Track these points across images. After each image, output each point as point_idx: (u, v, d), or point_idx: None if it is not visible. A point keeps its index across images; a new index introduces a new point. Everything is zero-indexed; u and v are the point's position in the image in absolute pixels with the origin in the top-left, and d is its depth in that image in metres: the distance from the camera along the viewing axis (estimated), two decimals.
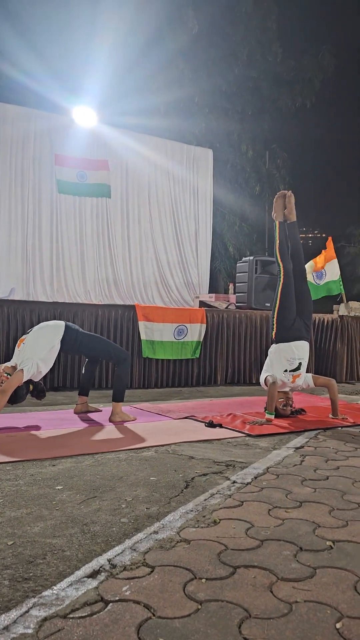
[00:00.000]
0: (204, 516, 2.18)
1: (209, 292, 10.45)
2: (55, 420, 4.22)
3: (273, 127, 15.42)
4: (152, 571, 1.69)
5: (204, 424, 4.21)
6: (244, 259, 8.67)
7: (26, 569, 1.68)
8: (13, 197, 8.87)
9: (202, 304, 8.85)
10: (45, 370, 4.04)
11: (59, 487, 2.51)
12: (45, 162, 9.16)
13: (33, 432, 3.78)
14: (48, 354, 4.03)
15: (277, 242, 4.88)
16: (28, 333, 4.19)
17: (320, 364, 7.90)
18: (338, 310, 8.50)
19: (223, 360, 7.11)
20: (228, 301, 8.93)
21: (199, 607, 1.49)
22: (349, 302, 8.63)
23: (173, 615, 1.44)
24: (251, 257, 8.31)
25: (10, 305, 5.95)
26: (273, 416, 4.35)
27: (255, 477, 2.77)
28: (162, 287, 10.22)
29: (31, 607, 1.45)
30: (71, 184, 9.37)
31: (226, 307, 8.28)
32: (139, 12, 10.57)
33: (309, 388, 4.76)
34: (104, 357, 4.64)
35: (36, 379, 4.06)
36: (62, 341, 4.11)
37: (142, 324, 6.47)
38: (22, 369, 3.84)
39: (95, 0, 10.22)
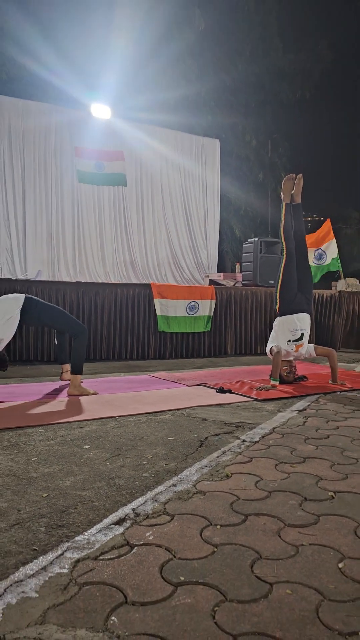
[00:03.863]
0: (217, 471, 2.20)
1: (218, 272, 10.40)
2: (60, 388, 4.21)
3: (275, 118, 15.14)
4: (171, 519, 1.71)
5: (215, 390, 4.22)
6: (249, 240, 8.59)
7: (60, 517, 1.70)
8: (37, 188, 8.83)
9: (212, 282, 8.81)
10: (5, 339, 3.87)
11: (87, 447, 2.54)
12: (66, 154, 9.10)
13: (55, 399, 3.81)
14: (6, 324, 3.86)
15: (283, 222, 4.81)
16: None
17: (320, 335, 7.87)
18: (336, 286, 8.42)
19: (231, 333, 7.10)
20: (235, 279, 8.88)
21: (215, 549, 1.51)
22: (346, 278, 8.55)
23: (192, 556, 1.46)
24: (256, 239, 8.23)
25: (38, 286, 5.96)
26: (278, 382, 4.35)
27: (263, 437, 2.78)
28: (174, 267, 10.19)
29: (65, 550, 1.48)
30: (90, 174, 9.31)
31: (234, 285, 8.22)
32: (150, 12, 10.34)
33: (311, 357, 4.74)
34: (62, 328, 4.31)
35: (1, 347, 3.89)
36: (22, 311, 3.92)
37: (157, 301, 6.46)
38: None
39: (111, 0, 10.00)
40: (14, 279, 6.47)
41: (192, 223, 10.62)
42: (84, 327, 4.23)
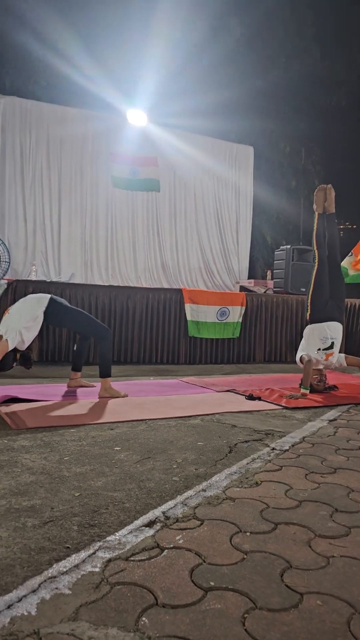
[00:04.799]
0: (246, 478, 2.20)
1: (249, 278, 10.36)
2: (87, 391, 4.24)
3: (309, 125, 15.00)
4: (201, 524, 1.72)
5: (244, 396, 4.20)
6: (281, 247, 8.53)
7: (92, 517, 1.73)
8: (73, 193, 8.98)
9: (242, 288, 8.78)
10: (28, 339, 3.86)
11: (117, 448, 2.57)
12: (102, 159, 9.23)
13: (86, 399, 3.86)
14: (31, 324, 3.85)
15: (315, 231, 4.78)
16: (14, 304, 4.07)
17: (351, 345, 7.75)
18: None
19: (261, 340, 7.06)
20: (266, 286, 8.83)
21: (245, 556, 1.50)
22: None
23: (222, 562, 1.46)
24: (288, 246, 8.17)
25: (72, 288, 6.06)
26: (308, 391, 4.30)
27: (293, 445, 2.76)
28: (205, 273, 10.20)
29: (97, 550, 1.50)
30: (124, 179, 9.42)
31: (264, 292, 8.18)
32: (188, 22, 10.42)
33: (342, 367, 4.68)
34: (84, 332, 4.30)
35: (22, 348, 3.87)
36: (45, 313, 3.92)
37: (188, 306, 6.48)
38: (7, 339, 3.69)
39: (150, 8, 10.11)
40: (48, 281, 6.58)
41: (224, 229, 10.62)
42: (108, 330, 4.18)
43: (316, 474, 2.29)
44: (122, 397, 4.01)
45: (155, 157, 9.74)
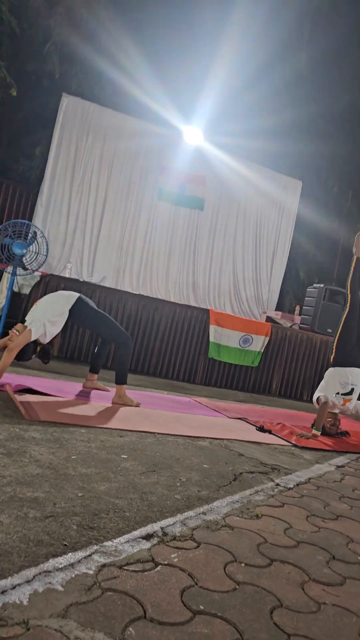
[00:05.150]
0: (248, 509, 2.19)
1: (276, 310, 10.34)
2: (101, 394, 4.25)
3: None
4: (198, 546, 1.72)
5: (255, 427, 4.18)
6: (314, 285, 8.51)
7: (92, 519, 1.75)
8: (118, 198, 9.14)
9: (269, 319, 8.76)
10: (51, 333, 3.87)
11: (124, 456, 2.59)
12: (152, 171, 9.39)
13: (92, 402, 3.89)
14: (56, 319, 3.87)
15: (351, 275, 4.76)
16: (43, 297, 4.11)
17: None
18: None
19: (279, 373, 7.02)
20: (293, 321, 8.80)
21: (237, 587, 1.50)
22: None
23: (214, 588, 1.46)
24: (322, 285, 8.15)
25: (102, 291, 6.14)
26: (319, 433, 4.26)
27: (297, 485, 2.74)
28: (234, 297, 10.22)
29: (94, 553, 1.52)
30: (171, 194, 9.55)
31: (290, 326, 8.15)
32: (256, 40, 10.55)
33: (358, 414, 4.62)
34: (105, 336, 4.28)
35: (43, 341, 3.88)
36: (71, 310, 3.94)
37: (212, 328, 6.50)
38: (31, 329, 3.73)
39: (218, 27, 10.31)
40: (81, 280, 6.68)
41: (260, 257, 10.65)
42: (129, 337, 4.20)
43: (318, 517, 2.27)
44: (135, 406, 4.03)
45: (204, 175, 9.88)
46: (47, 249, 5.31)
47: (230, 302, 10.12)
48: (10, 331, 3.81)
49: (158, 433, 3.27)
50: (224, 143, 10.38)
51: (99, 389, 4.43)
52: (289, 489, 2.62)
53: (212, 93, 10.33)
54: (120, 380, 4.11)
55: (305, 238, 13.50)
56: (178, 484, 2.31)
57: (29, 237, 5.25)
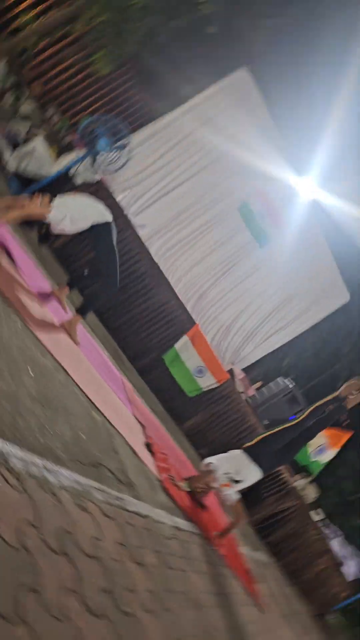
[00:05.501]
0: (82, 497, 2.18)
1: (243, 369, 10.35)
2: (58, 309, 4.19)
3: None
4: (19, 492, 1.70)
5: (144, 437, 4.19)
6: (286, 379, 8.57)
7: None
8: (206, 181, 9.10)
9: (230, 372, 8.78)
10: (66, 228, 3.74)
11: (32, 374, 2.55)
12: (247, 187, 9.45)
13: (46, 308, 3.82)
14: (79, 220, 3.75)
15: (323, 405, 4.75)
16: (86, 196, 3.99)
17: None
18: None
19: (200, 418, 7.07)
20: (246, 390, 8.85)
21: None
22: None
23: None
24: (291, 385, 8.20)
25: (131, 235, 6.10)
26: (187, 488, 4.29)
27: (136, 513, 2.74)
28: (222, 331, 10.11)
29: None
30: (251, 213, 9.60)
31: (240, 392, 8.20)
32: None
33: (225, 502, 4.65)
34: (102, 268, 4.08)
35: (55, 229, 3.75)
36: (93, 226, 3.83)
37: (184, 339, 6.52)
38: (53, 206, 3.61)
39: (337, 84, 10.17)
40: (125, 213, 6.61)
41: (271, 321, 10.62)
42: (117, 287, 4.08)
43: (124, 548, 2.28)
44: (75, 342, 3.95)
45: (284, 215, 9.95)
46: (124, 166, 5.25)
47: (216, 331, 10.08)
48: (34, 195, 3.71)
49: (73, 379, 3.21)
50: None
51: (61, 303, 4.33)
52: (125, 510, 2.63)
53: (326, 144, 10.37)
54: (82, 312, 4.03)
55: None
56: (51, 432, 2.30)
57: (119, 143, 5.17)
